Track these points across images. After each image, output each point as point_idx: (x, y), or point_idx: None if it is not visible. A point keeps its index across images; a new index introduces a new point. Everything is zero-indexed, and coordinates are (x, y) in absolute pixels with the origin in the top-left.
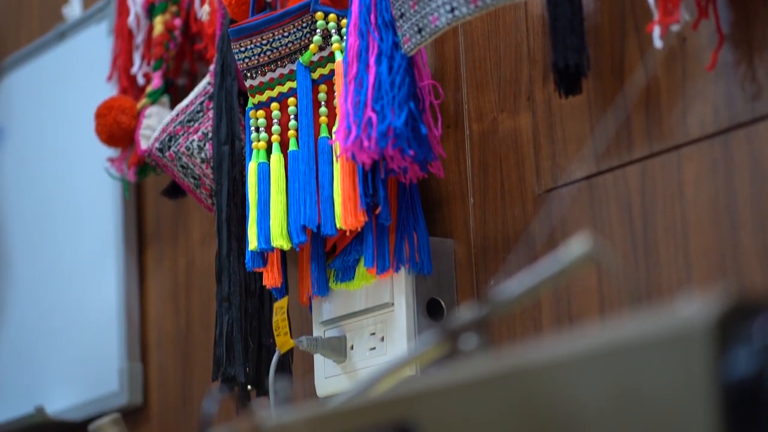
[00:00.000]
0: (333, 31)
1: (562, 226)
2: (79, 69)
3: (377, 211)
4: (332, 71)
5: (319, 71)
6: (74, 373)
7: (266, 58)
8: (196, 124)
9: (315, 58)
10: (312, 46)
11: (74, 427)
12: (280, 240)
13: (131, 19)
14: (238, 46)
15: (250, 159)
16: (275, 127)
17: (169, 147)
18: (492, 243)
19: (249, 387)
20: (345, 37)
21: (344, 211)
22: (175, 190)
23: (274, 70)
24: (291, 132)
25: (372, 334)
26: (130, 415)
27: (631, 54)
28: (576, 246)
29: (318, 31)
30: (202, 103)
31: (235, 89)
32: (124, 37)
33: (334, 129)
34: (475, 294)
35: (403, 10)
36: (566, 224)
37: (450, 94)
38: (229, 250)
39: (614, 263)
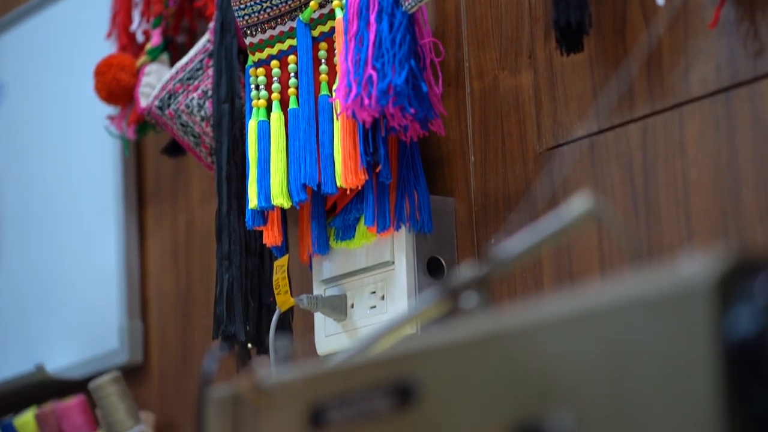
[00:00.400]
0: None
1: (563, 184)
2: (78, 26)
3: (378, 170)
4: (332, 29)
5: (320, 28)
6: (74, 332)
7: (266, 15)
8: (196, 82)
9: (315, 16)
10: (312, 3)
11: (74, 385)
12: (280, 198)
13: None
14: (237, 3)
15: (250, 117)
16: (275, 85)
17: (169, 105)
18: (493, 201)
19: (249, 345)
20: None
21: (345, 170)
22: (174, 149)
23: (274, 28)
24: (291, 90)
25: (372, 292)
26: (130, 373)
27: (632, 11)
28: (577, 204)
29: None
30: (201, 60)
31: (235, 47)
32: None
33: (334, 87)
34: (476, 252)
35: None
36: (567, 183)
37: (451, 52)
38: (229, 208)
39: (615, 221)
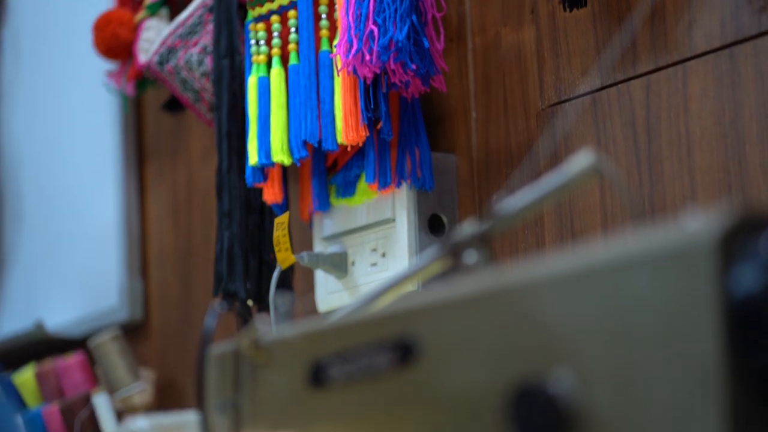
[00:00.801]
0: None
1: (566, 141)
2: None
3: (379, 126)
4: None
5: None
6: (74, 289)
7: None
8: (195, 38)
9: None
10: None
11: (74, 343)
12: (280, 155)
13: None
14: None
15: (249, 73)
16: (275, 41)
17: (168, 60)
18: (494, 158)
19: (250, 302)
20: None
21: (345, 126)
22: (174, 105)
23: None
24: (291, 45)
25: (373, 249)
26: (130, 330)
27: None
28: (579, 160)
29: None
30: (201, 15)
31: (235, 1)
32: None
33: (335, 42)
34: (477, 210)
35: None
36: (569, 139)
37: (453, 7)
38: (230, 165)
39: (618, 178)
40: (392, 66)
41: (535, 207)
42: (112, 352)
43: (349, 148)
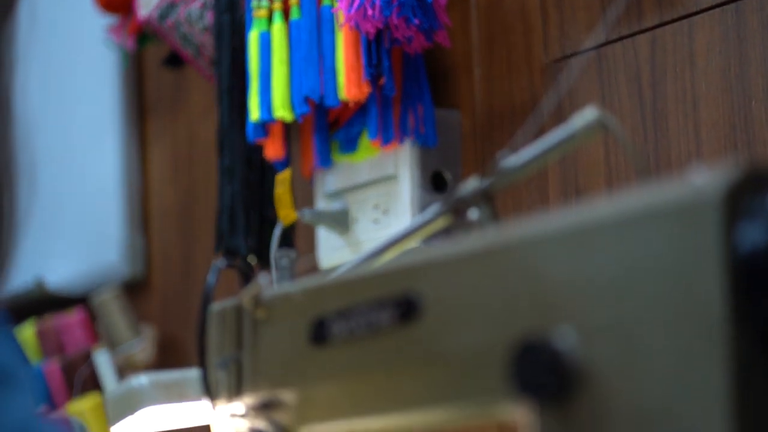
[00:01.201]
0: None
1: (570, 96)
2: None
3: (381, 82)
4: None
5: None
6: (75, 246)
7: None
8: None
9: None
10: None
11: (75, 300)
12: (282, 111)
13: None
14: None
15: (250, 28)
16: None
17: (169, 15)
18: (498, 114)
19: (251, 259)
20: None
21: (348, 82)
22: (175, 60)
23: None
24: (293, 0)
25: (375, 206)
26: (131, 287)
27: None
28: (584, 115)
29: None
30: None
31: None
32: None
33: None
34: (481, 167)
35: None
36: (574, 95)
37: None
38: (231, 121)
39: (622, 134)
40: (395, 21)
41: (539, 163)
42: (113, 311)
43: (351, 104)
